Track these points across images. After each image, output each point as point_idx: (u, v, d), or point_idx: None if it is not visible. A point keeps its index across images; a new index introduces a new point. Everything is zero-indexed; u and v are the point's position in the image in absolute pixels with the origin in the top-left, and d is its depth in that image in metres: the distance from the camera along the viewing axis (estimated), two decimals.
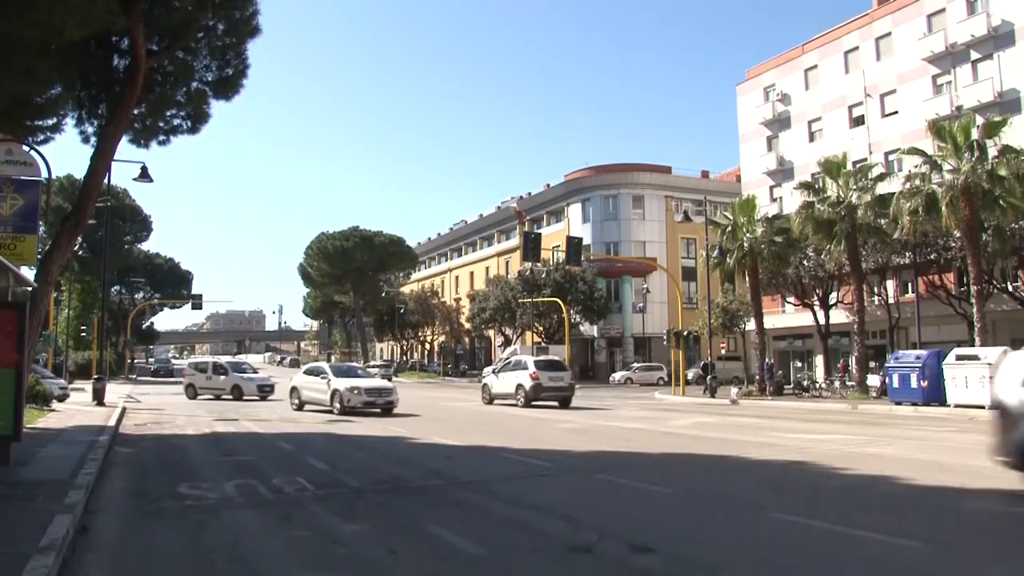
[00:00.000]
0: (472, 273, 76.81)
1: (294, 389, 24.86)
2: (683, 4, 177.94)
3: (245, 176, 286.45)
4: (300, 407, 23.87)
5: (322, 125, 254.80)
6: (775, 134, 47.51)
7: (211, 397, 29.97)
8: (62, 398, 24.44)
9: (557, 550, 6.35)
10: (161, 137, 16.17)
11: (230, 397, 29.43)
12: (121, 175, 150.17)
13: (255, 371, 35.23)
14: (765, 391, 32.25)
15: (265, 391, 30.03)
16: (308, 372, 25.34)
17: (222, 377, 30.46)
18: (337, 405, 22.04)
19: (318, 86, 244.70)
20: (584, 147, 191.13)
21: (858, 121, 42.13)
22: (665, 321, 52.70)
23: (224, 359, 39.83)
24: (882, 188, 30.38)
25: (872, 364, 33.12)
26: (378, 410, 22.07)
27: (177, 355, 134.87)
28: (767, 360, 35.06)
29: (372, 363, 67.98)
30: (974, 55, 36.49)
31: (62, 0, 10.64)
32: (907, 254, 31.80)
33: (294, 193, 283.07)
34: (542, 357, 30.82)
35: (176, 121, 16.12)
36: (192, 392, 30.69)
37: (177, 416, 21.56)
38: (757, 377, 35.34)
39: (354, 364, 38.29)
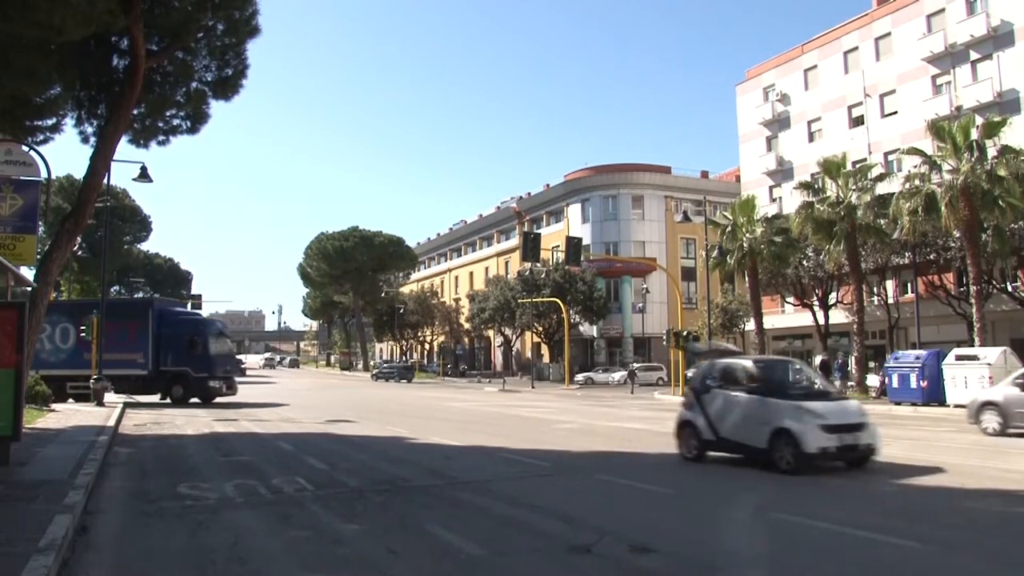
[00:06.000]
0: (472, 273, 76.76)
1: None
2: (683, 4, 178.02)
3: (245, 176, 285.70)
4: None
5: (322, 125, 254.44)
6: (775, 134, 47.48)
7: None
8: None
9: (557, 550, 6.35)
10: (161, 137, 16.16)
11: None
12: (121, 175, 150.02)
13: None
14: None
15: None
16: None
17: None
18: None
19: (318, 86, 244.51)
20: (584, 147, 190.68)
21: (858, 121, 42.09)
22: (665, 321, 52.63)
23: None
24: (882, 188, 30.34)
25: (872, 364, 33.10)
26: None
27: None
28: (837, 360, 35.05)
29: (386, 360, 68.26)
30: (974, 55, 36.47)
31: (62, 0, 10.64)
32: (907, 254, 31.75)
33: (294, 193, 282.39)
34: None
35: (176, 121, 16.10)
36: None
37: (176, 416, 21.53)
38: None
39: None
